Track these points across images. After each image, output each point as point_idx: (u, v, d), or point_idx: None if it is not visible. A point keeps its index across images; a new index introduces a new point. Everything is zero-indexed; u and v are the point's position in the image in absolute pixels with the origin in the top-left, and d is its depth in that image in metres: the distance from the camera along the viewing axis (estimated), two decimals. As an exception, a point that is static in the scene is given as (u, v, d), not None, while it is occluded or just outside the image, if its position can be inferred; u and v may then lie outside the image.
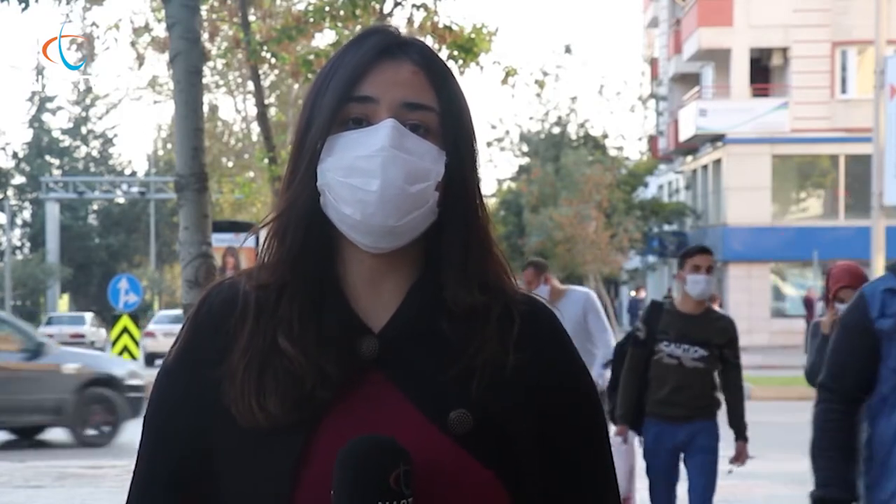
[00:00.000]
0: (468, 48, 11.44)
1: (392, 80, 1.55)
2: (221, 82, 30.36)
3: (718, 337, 6.46)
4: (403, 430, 1.47)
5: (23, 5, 7.54)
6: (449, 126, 1.56)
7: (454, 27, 11.52)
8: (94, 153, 60.01)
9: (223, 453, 1.54)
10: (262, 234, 1.61)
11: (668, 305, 6.60)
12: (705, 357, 6.40)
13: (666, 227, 40.51)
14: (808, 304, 32.38)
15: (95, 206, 59.26)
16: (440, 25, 11.48)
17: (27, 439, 15.15)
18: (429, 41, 11.29)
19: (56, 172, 56.95)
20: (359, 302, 1.57)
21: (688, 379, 6.38)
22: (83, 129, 59.27)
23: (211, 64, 21.90)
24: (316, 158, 1.54)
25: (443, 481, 1.47)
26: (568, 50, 37.92)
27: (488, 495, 1.50)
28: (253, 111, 24.89)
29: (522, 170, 40.53)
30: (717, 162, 36.38)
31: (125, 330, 20.73)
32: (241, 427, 1.52)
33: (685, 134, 37.51)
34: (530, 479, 1.55)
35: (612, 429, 12.92)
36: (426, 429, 1.49)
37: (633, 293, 46.91)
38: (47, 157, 58.27)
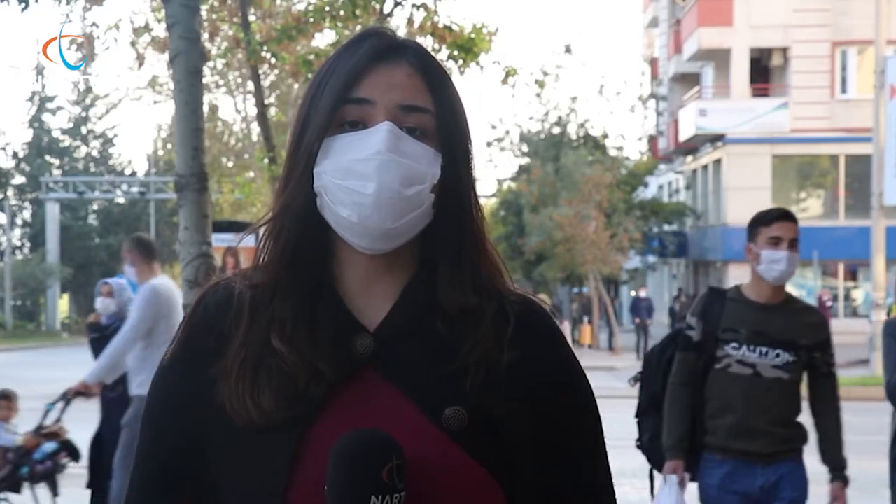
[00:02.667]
0: (468, 48, 11.45)
1: (388, 82, 1.56)
2: (221, 82, 30.38)
3: (807, 336, 4.75)
4: (399, 427, 1.47)
5: (23, 5, 7.55)
6: (445, 128, 1.57)
7: (454, 27, 11.54)
8: (94, 153, 59.95)
9: (219, 451, 1.55)
10: (260, 234, 1.62)
11: (734, 293, 4.84)
12: (790, 363, 4.70)
13: (666, 227, 40.50)
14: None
15: (95, 206, 59.22)
16: (440, 25, 11.50)
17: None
18: (429, 41, 11.31)
19: (56, 172, 56.93)
20: (353, 302, 1.58)
21: (768, 395, 4.68)
22: (83, 129, 59.21)
23: (211, 64, 21.91)
24: (312, 160, 1.55)
25: (437, 478, 1.48)
26: (568, 50, 37.90)
27: (482, 492, 1.51)
28: (253, 111, 24.91)
29: (522, 170, 40.52)
30: (717, 162, 36.38)
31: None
32: (236, 425, 1.53)
33: (685, 134, 37.51)
34: (524, 477, 1.56)
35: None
36: (421, 426, 1.50)
37: (633, 293, 46.98)
38: (47, 157, 58.22)
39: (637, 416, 5.17)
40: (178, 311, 7.48)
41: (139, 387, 7.42)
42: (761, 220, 4.75)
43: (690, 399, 4.79)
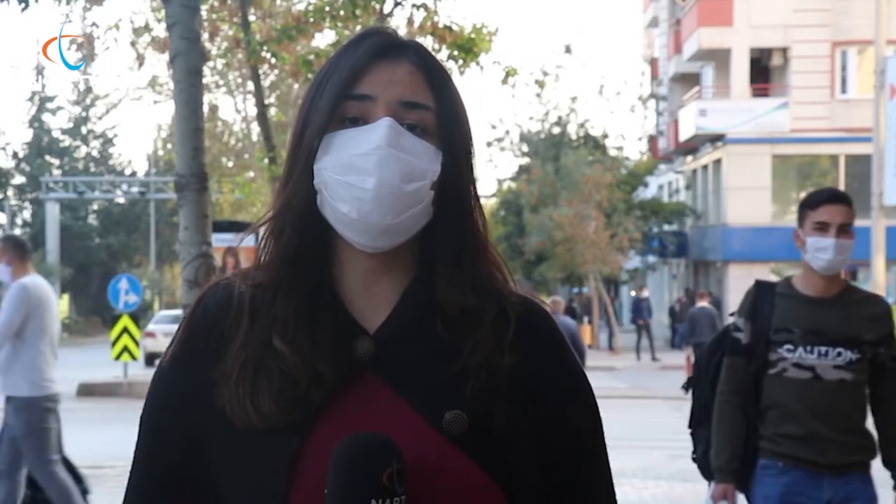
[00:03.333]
0: (468, 48, 11.45)
1: (389, 79, 1.55)
2: (221, 82, 30.36)
3: (870, 330, 4.21)
4: (399, 430, 1.46)
5: (23, 5, 7.55)
6: (445, 126, 1.56)
7: (454, 27, 11.54)
8: (94, 153, 59.93)
9: (219, 452, 1.54)
10: (261, 233, 1.62)
11: (784, 287, 4.32)
12: (853, 362, 4.18)
13: (666, 227, 40.49)
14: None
15: (95, 206, 59.21)
16: (440, 25, 11.50)
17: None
18: (429, 41, 11.31)
19: (56, 172, 56.90)
20: (354, 303, 1.57)
21: (831, 399, 4.16)
22: (83, 129, 59.18)
23: (211, 64, 21.91)
24: (313, 157, 1.54)
25: (438, 482, 1.47)
26: (568, 50, 37.91)
27: (483, 495, 1.50)
28: (253, 111, 24.90)
29: (522, 170, 40.53)
30: (717, 162, 36.37)
31: (125, 330, 20.74)
32: (236, 428, 1.52)
33: (685, 134, 37.50)
34: (525, 479, 1.55)
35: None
36: (421, 430, 1.49)
37: (633, 293, 46.94)
38: (47, 157, 58.20)
39: (690, 426, 4.68)
40: (50, 309, 7.48)
41: (11, 388, 7.35)
42: (808, 203, 4.25)
43: (741, 410, 4.28)
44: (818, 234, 4.17)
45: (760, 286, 4.39)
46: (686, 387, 4.80)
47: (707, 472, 4.56)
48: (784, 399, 4.19)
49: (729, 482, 4.31)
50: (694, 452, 4.66)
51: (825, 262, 4.16)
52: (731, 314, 4.47)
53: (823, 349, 4.17)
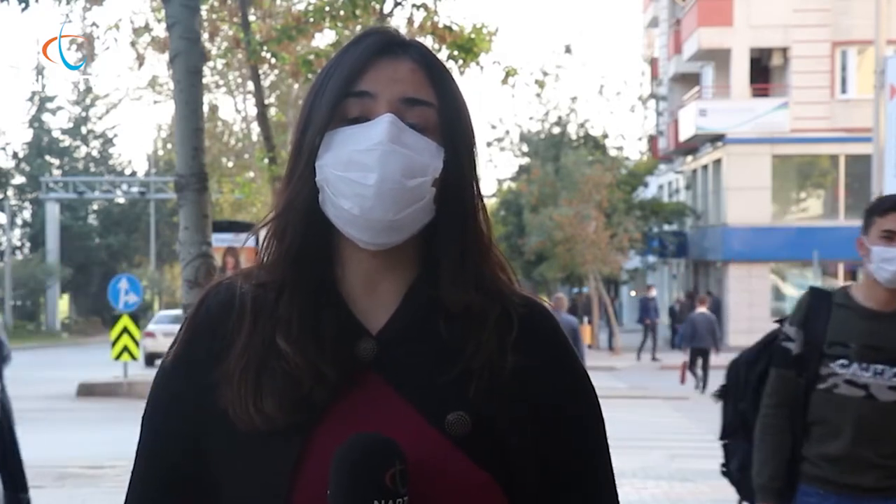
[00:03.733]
0: (468, 48, 11.45)
1: (391, 76, 1.54)
2: (221, 82, 30.34)
3: None
4: (401, 432, 1.46)
5: (23, 5, 7.55)
6: (447, 123, 1.55)
7: (454, 27, 11.55)
8: (94, 153, 59.94)
9: (220, 453, 1.54)
10: (262, 233, 1.61)
11: (842, 297, 4.02)
12: None
13: (666, 227, 40.50)
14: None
15: (95, 206, 59.21)
16: (440, 25, 11.51)
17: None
18: (429, 41, 11.31)
19: (56, 172, 56.91)
20: (356, 303, 1.56)
21: (883, 421, 3.90)
22: (83, 129, 59.19)
23: (211, 64, 21.90)
24: (314, 155, 1.54)
25: (440, 483, 1.47)
26: (568, 50, 37.91)
27: (485, 498, 1.49)
28: (253, 111, 24.88)
29: (522, 170, 40.55)
30: (717, 162, 36.38)
31: (125, 330, 20.75)
32: (238, 429, 1.51)
33: (685, 134, 37.51)
34: (527, 480, 1.54)
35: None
36: (424, 431, 1.49)
37: (633, 293, 46.92)
38: (47, 157, 58.20)
39: (723, 437, 4.43)
40: None
41: None
42: (875, 210, 3.95)
43: (787, 425, 4.00)
44: (885, 244, 3.89)
45: (816, 294, 4.08)
46: (719, 395, 4.50)
47: (742, 489, 4.35)
48: (831, 416, 3.93)
49: (772, 502, 4.04)
50: (725, 465, 4.44)
51: (891, 274, 3.88)
52: (778, 321, 4.18)
53: (880, 367, 3.89)
